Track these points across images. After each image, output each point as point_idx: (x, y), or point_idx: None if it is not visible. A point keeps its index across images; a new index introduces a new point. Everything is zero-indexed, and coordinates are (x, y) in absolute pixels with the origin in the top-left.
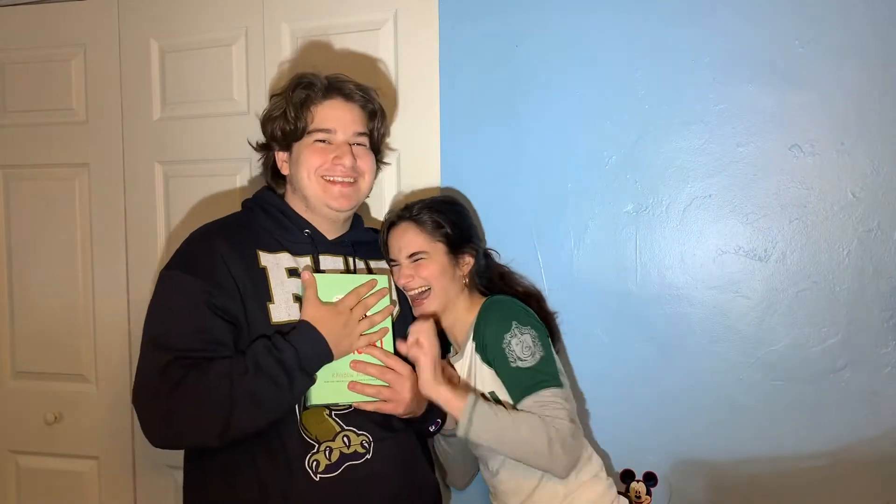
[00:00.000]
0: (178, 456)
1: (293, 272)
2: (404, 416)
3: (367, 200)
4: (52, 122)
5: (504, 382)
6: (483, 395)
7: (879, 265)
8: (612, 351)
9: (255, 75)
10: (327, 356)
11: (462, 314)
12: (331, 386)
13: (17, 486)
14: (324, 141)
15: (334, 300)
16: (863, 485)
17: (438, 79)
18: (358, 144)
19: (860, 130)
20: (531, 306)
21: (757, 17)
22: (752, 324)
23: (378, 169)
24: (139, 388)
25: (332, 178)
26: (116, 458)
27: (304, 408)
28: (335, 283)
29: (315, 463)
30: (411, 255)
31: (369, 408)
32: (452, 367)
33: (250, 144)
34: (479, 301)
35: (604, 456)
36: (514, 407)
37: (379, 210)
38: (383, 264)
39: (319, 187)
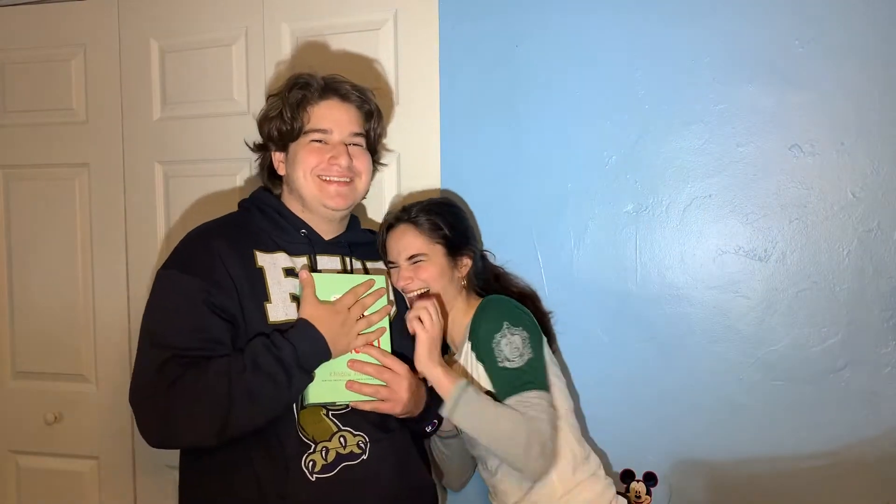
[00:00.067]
0: (177, 456)
1: (290, 272)
2: (401, 416)
3: (367, 201)
4: (52, 122)
5: (491, 381)
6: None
7: (879, 265)
8: (612, 351)
9: (255, 75)
10: (325, 354)
11: (459, 315)
12: (328, 385)
13: (17, 486)
14: (320, 141)
15: (332, 300)
16: (863, 485)
17: (438, 79)
18: (354, 145)
19: (860, 130)
20: (527, 306)
21: (757, 17)
22: (752, 324)
23: (375, 170)
24: (136, 387)
25: (328, 178)
26: (116, 458)
27: (302, 407)
28: (333, 282)
29: (311, 463)
30: (410, 258)
31: (366, 407)
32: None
33: (247, 145)
34: (476, 302)
35: (602, 455)
36: None
37: (378, 210)
38: (380, 265)
39: (315, 187)
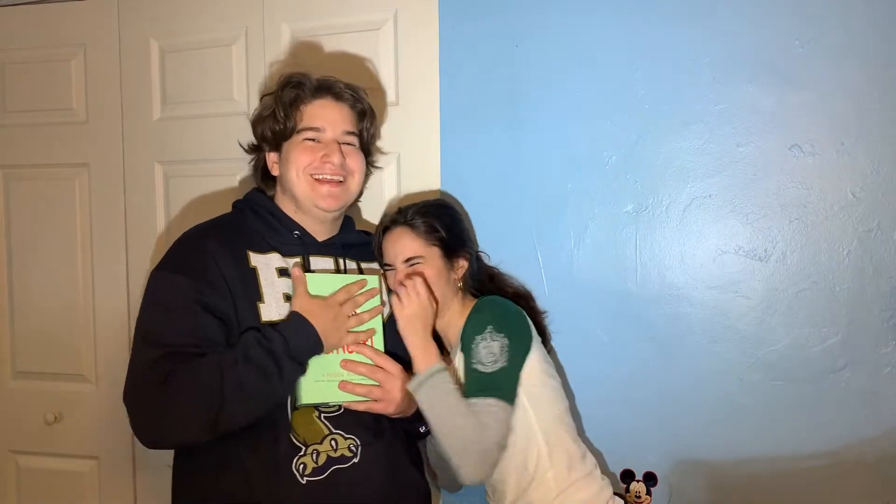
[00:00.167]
0: None
1: (283, 272)
2: (394, 416)
3: (366, 202)
4: (52, 122)
5: (464, 380)
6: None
7: (879, 265)
8: (612, 351)
9: (255, 75)
10: (317, 347)
11: (455, 317)
12: (321, 386)
13: (17, 486)
14: (313, 139)
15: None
16: (863, 485)
17: (438, 79)
18: (347, 144)
19: (860, 130)
20: (521, 307)
21: (757, 17)
22: (752, 324)
23: (369, 173)
24: (129, 386)
25: (320, 177)
26: (116, 458)
27: (294, 408)
28: (326, 282)
29: (302, 466)
30: (407, 260)
31: (360, 407)
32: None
33: (241, 146)
34: (472, 303)
35: (600, 455)
36: None
37: (378, 211)
38: (375, 265)
39: (308, 186)
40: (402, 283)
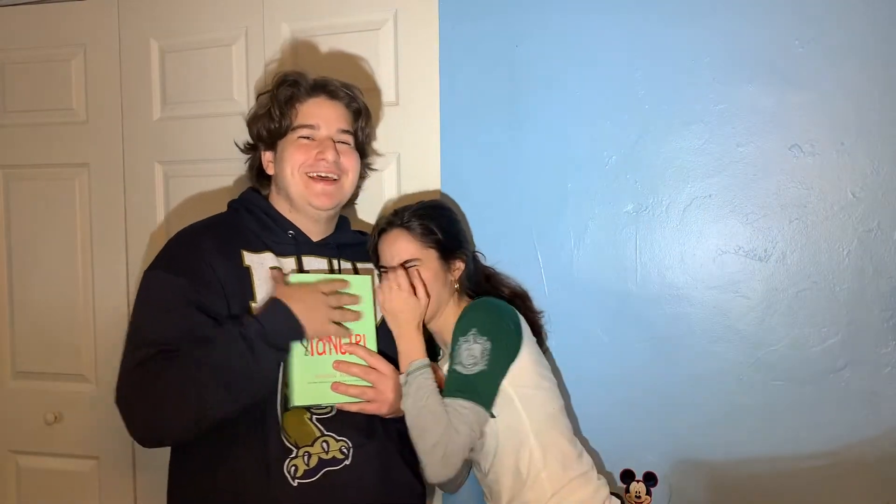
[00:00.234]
0: None
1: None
2: (388, 416)
3: (366, 202)
4: (52, 122)
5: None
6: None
7: (879, 265)
8: (612, 351)
9: (255, 75)
10: (296, 331)
11: (450, 318)
12: (314, 387)
13: (17, 486)
14: (308, 137)
15: None
16: (863, 485)
17: (438, 79)
18: (342, 142)
19: (860, 130)
20: (517, 306)
21: (757, 17)
22: (752, 324)
23: (365, 175)
24: (119, 386)
25: (314, 175)
26: (116, 458)
27: (286, 409)
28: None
29: (293, 468)
30: (404, 263)
31: (353, 408)
32: (441, 370)
33: (237, 146)
34: (466, 304)
35: (598, 455)
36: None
37: (378, 211)
38: (370, 265)
39: (302, 184)
40: (386, 276)
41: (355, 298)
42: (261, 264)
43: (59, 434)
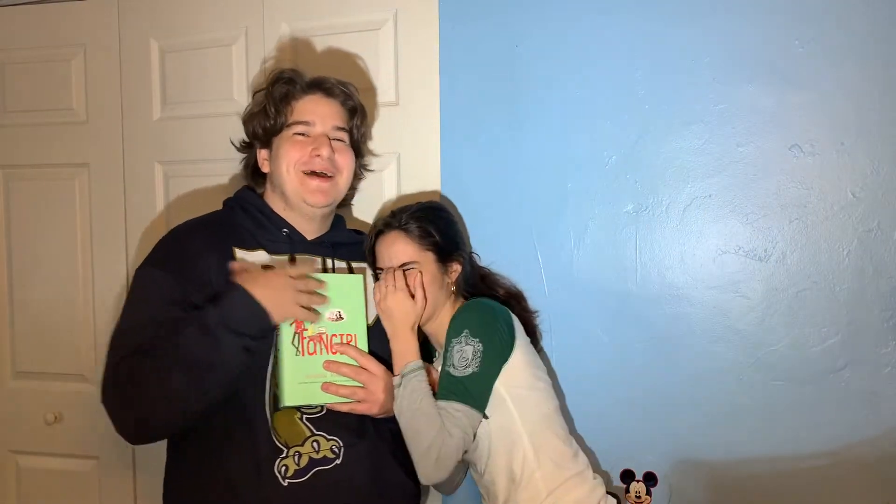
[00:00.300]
0: None
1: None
2: (379, 416)
3: (366, 202)
4: (52, 122)
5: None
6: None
7: (879, 265)
8: (612, 351)
9: (255, 75)
10: (260, 315)
11: (446, 320)
12: (304, 387)
13: (17, 486)
14: (303, 134)
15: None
16: (863, 485)
17: (438, 79)
18: (337, 140)
19: (860, 130)
20: (512, 306)
21: (757, 17)
22: (752, 324)
23: (361, 176)
24: (103, 384)
25: (310, 171)
26: (116, 458)
27: (277, 409)
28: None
29: (284, 468)
30: (402, 266)
31: (343, 408)
32: (436, 371)
33: (233, 144)
34: (461, 305)
35: (598, 454)
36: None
37: (377, 211)
38: (365, 265)
39: (297, 180)
40: (383, 276)
41: (322, 283)
42: (253, 263)
43: (59, 434)
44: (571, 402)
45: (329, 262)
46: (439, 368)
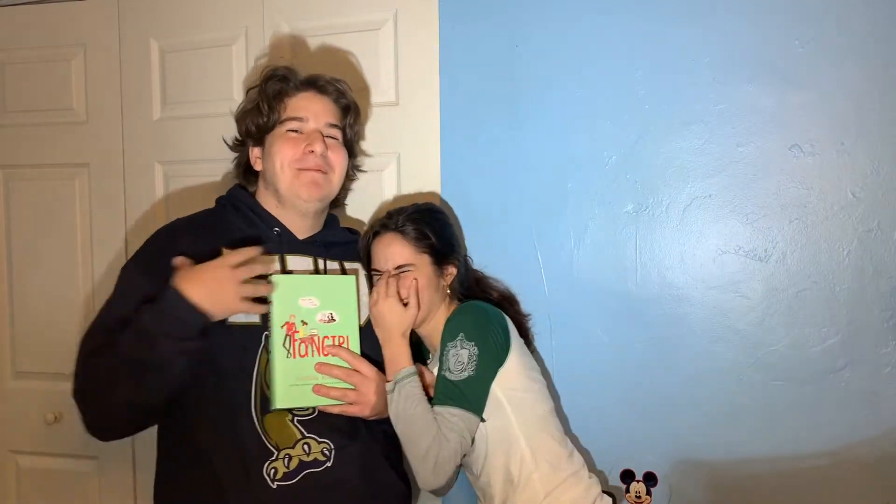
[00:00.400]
0: None
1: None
2: (370, 419)
3: (365, 201)
4: (52, 122)
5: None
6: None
7: (879, 265)
8: (612, 351)
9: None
10: (193, 317)
11: (440, 322)
12: (295, 389)
13: (17, 486)
14: (296, 131)
15: (299, 303)
16: (863, 485)
17: (438, 79)
18: (330, 137)
19: (860, 130)
20: (505, 309)
21: (757, 17)
22: (752, 324)
23: (354, 177)
24: (72, 382)
25: (303, 167)
26: (116, 458)
27: (268, 411)
28: (302, 284)
29: (273, 470)
30: (398, 268)
31: (334, 410)
32: (431, 373)
33: (225, 143)
34: (456, 307)
35: (585, 453)
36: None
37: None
38: (358, 265)
39: (291, 175)
40: (378, 281)
41: (268, 266)
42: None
43: (59, 434)
44: (571, 402)
45: (321, 262)
46: (433, 370)
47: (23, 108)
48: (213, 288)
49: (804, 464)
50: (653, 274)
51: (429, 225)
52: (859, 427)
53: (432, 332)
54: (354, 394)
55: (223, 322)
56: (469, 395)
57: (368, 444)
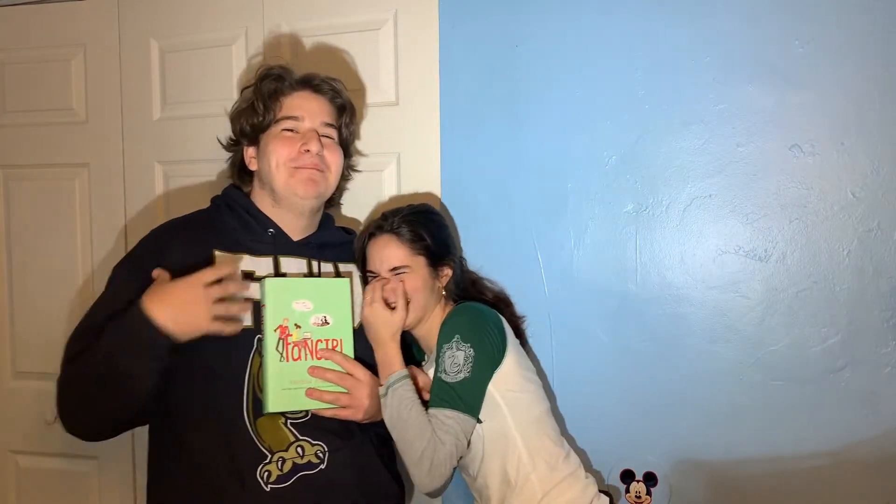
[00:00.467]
0: None
1: (249, 276)
2: (363, 422)
3: (365, 202)
4: (52, 122)
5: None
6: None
7: (879, 265)
8: (612, 351)
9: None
10: (157, 339)
11: (435, 324)
12: (288, 393)
13: (17, 486)
14: (291, 130)
15: (293, 306)
16: (863, 485)
17: (438, 79)
18: (326, 136)
19: (860, 130)
20: (501, 310)
21: (757, 17)
22: (752, 324)
23: (349, 177)
24: (56, 382)
25: (299, 166)
26: (116, 458)
27: (261, 415)
28: (296, 287)
29: (266, 473)
30: (393, 269)
31: (327, 414)
32: (425, 374)
33: (220, 143)
34: (451, 309)
35: (583, 453)
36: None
37: (376, 212)
38: (352, 267)
39: (287, 173)
40: (368, 286)
41: (245, 285)
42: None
43: (59, 434)
44: (571, 401)
45: (315, 264)
46: (429, 372)
47: (23, 108)
48: (180, 309)
49: (804, 464)
50: (653, 274)
51: (424, 226)
52: (859, 427)
53: (427, 333)
54: (347, 397)
55: None
56: (465, 397)
57: (362, 445)
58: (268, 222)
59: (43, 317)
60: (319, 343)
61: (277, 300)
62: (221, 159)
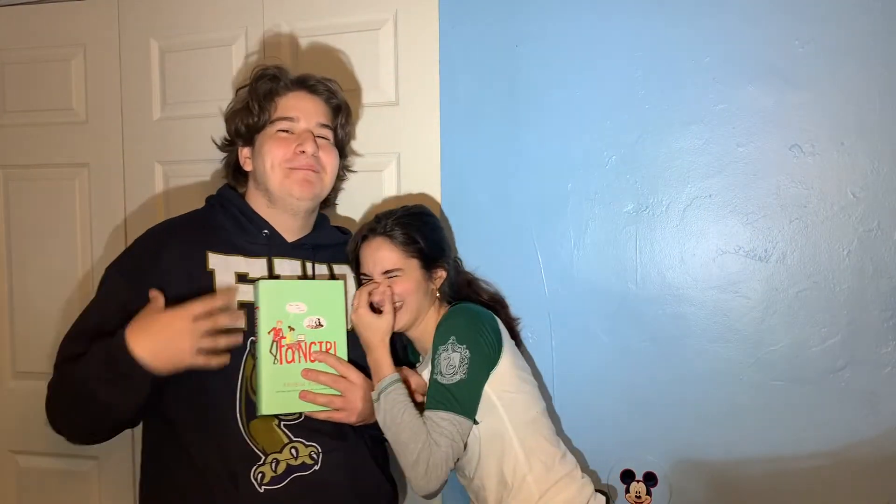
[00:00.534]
0: None
1: (243, 278)
2: (357, 425)
3: (365, 203)
4: (52, 122)
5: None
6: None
7: (879, 265)
8: (612, 351)
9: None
10: (137, 373)
11: (430, 325)
12: (282, 396)
13: (17, 486)
14: (286, 131)
15: (287, 308)
16: (863, 485)
17: (438, 79)
18: (321, 137)
19: (860, 130)
20: (497, 312)
21: (757, 17)
22: (752, 324)
23: (344, 177)
24: (47, 386)
25: (294, 167)
26: (116, 458)
27: (254, 417)
28: (290, 289)
29: (260, 475)
30: (386, 272)
31: (321, 416)
32: (420, 375)
33: (214, 143)
34: (446, 310)
35: (580, 454)
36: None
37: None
38: (347, 268)
39: (283, 174)
40: (357, 291)
41: (237, 315)
42: (226, 268)
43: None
44: (571, 401)
45: (309, 266)
46: (424, 374)
47: (23, 108)
48: (164, 342)
49: (804, 464)
50: (653, 274)
51: (417, 229)
52: (859, 427)
53: (422, 335)
54: (341, 400)
55: None
56: (460, 399)
57: (355, 447)
58: (262, 223)
59: (43, 317)
60: (313, 345)
61: (271, 302)
62: (221, 159)
